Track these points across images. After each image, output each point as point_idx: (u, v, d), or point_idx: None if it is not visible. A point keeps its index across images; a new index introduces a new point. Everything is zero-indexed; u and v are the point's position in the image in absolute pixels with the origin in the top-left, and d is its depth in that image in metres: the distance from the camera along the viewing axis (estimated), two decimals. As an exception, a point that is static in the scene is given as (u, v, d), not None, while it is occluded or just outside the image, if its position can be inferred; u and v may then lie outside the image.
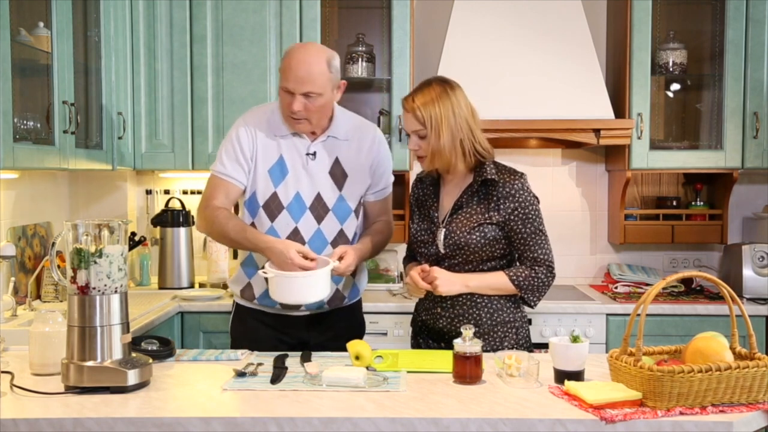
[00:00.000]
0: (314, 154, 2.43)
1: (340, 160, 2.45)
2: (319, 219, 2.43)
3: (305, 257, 2.27)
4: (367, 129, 2.54)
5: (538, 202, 2.30)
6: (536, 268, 2.27)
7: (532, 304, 2.32)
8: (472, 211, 2.28)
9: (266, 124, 2.44)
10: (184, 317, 3.30)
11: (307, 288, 2.23)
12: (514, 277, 2.27)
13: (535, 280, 2.27)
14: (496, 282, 2.28)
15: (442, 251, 2.29)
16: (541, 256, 2.28)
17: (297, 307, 2.45)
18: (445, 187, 2.38)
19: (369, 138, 2.52)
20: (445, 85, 2.26)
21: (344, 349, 2.20)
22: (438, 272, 2.24)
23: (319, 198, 2.42)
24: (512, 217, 2.25)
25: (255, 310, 2.52)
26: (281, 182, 2.41)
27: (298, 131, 2.41)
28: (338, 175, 2.45)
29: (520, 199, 2.25)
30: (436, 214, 2.35)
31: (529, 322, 2.48)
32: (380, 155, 2.53)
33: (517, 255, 2.33)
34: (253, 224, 2.44)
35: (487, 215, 2.26)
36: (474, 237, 2.25)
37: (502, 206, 2.25)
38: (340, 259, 2.31)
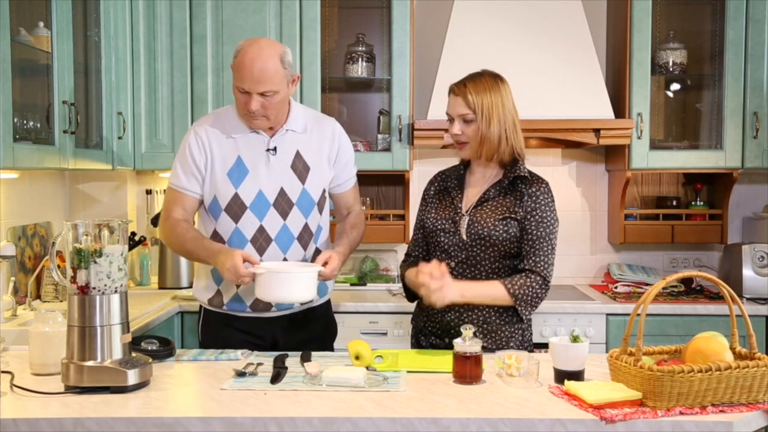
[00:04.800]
0: (275, 149, 2.42)
1: (301, 153, 2.45)
2: (284, 215, 2.41)
3: (249, 262, 2.22)
4: (325, 122, 2.54)
5: (557, 220, 2.31)
6: (531, 276, 2.25)
7: (524, 316, 2.28)
8: (498, 203, 2.30)
9: (221, 127, 2.43)
10: (184, 317, 3.29)
11: (296, 286, 2.21)
12: (509, 285, 2.24)
13: (530, 289, 2.24)
14: (492, 291, 2.25)
15: (465, 239, 2.29)
16: (540, 264, 2.26)
17: (268, 308, 2.43)
18: (470, 182, 2.40)
19: (329, 130, 2.51)
20: (497, 78, 2.34)
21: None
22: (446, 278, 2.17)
23: (282, 193, 2.41)
24: (528, 216, 2.27)
25: (224, 315, 2.49)
26: (242, 182, 2.40)
27: (256, 128, 2.40)
28: (300, 168, 2.44)
29: (541, 202, 2.28)
30: (460, 205, 2.35)
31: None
32: (342, 147, 2.53)
33: (519, 259, 2.31)
34: (215, 229, 2.43)
35: (512, 209, 2.28)
36: (498, 229, 2.26)
37: (524, 203, 2.28)
38: (325, 264, 2.30)
